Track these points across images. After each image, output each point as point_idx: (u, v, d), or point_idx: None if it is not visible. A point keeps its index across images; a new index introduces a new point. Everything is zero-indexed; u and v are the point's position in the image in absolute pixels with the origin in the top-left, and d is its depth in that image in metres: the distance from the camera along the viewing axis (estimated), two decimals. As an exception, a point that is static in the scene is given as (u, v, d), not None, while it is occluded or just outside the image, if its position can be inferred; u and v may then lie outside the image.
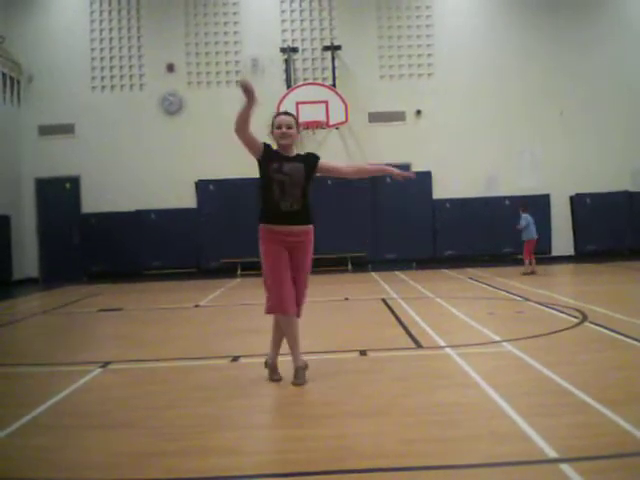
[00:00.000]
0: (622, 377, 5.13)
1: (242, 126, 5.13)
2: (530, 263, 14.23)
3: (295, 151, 5.45)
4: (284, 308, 5.21)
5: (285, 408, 4.62)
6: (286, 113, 5.50)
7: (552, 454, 3.51)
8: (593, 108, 17.89)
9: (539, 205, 17.49)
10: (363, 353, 6.32)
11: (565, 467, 3.33)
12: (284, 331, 5.36)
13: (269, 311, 5.32)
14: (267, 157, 5.30)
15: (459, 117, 17.78)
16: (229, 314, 10.11)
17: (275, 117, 5.45)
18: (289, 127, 5.33)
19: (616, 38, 18.07)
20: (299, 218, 5.29)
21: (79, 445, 4.01)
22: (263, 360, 5.59)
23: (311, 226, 5.41)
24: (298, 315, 5.40)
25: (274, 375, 5.46)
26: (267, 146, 5.36)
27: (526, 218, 14.46)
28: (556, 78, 17.85)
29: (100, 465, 3.66)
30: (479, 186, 17.86)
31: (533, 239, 14.45)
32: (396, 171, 5.56)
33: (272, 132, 5.39)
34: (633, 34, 18.11)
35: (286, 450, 3.83)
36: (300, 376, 5.29)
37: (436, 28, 18.15)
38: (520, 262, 15.12)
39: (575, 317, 7.90)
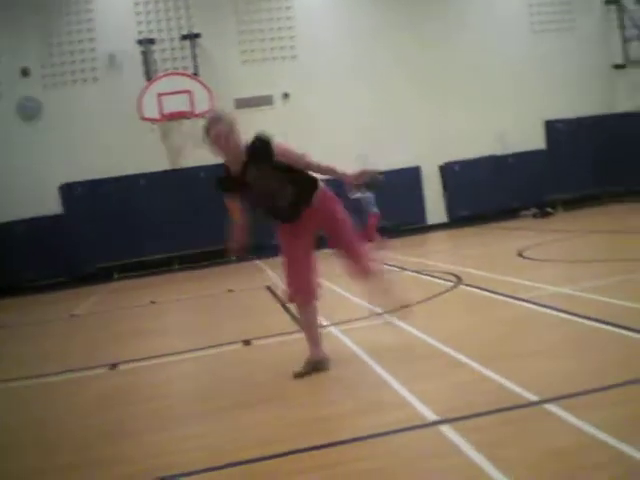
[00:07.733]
0: (497, 334, 5.33)
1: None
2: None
3: (243, 151, 4.45)
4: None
5: (168, 410, 4.50)
6: (215, 120, 4.36)
7: (432, 417, 3.59)
8: (451, 76, 18.34)
9: (411, 177, 18.03)
10: (247, 343, 6.26)
11: (445, 428, 3.41)
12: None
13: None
14: (232, 186, 4.57)
15: (326, 98, 17.85)
16: (108, 320, 9.75)
17: (206, 132, 4.34)
18: (227, 138, 4.35)
19: (474, 4, 18.74)
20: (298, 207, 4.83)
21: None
22: (146, 364, 5.36)
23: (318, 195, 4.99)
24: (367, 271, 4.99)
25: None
26: (222, 179, 4.58)
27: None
28: (414, 50, 18.18)
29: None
30: (352, 164, 18.04)
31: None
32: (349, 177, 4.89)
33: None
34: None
35: (177, 451, 3.73)
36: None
37: (296, 10, 18.13)
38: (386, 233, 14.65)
39: (450, 281, 8.15)
